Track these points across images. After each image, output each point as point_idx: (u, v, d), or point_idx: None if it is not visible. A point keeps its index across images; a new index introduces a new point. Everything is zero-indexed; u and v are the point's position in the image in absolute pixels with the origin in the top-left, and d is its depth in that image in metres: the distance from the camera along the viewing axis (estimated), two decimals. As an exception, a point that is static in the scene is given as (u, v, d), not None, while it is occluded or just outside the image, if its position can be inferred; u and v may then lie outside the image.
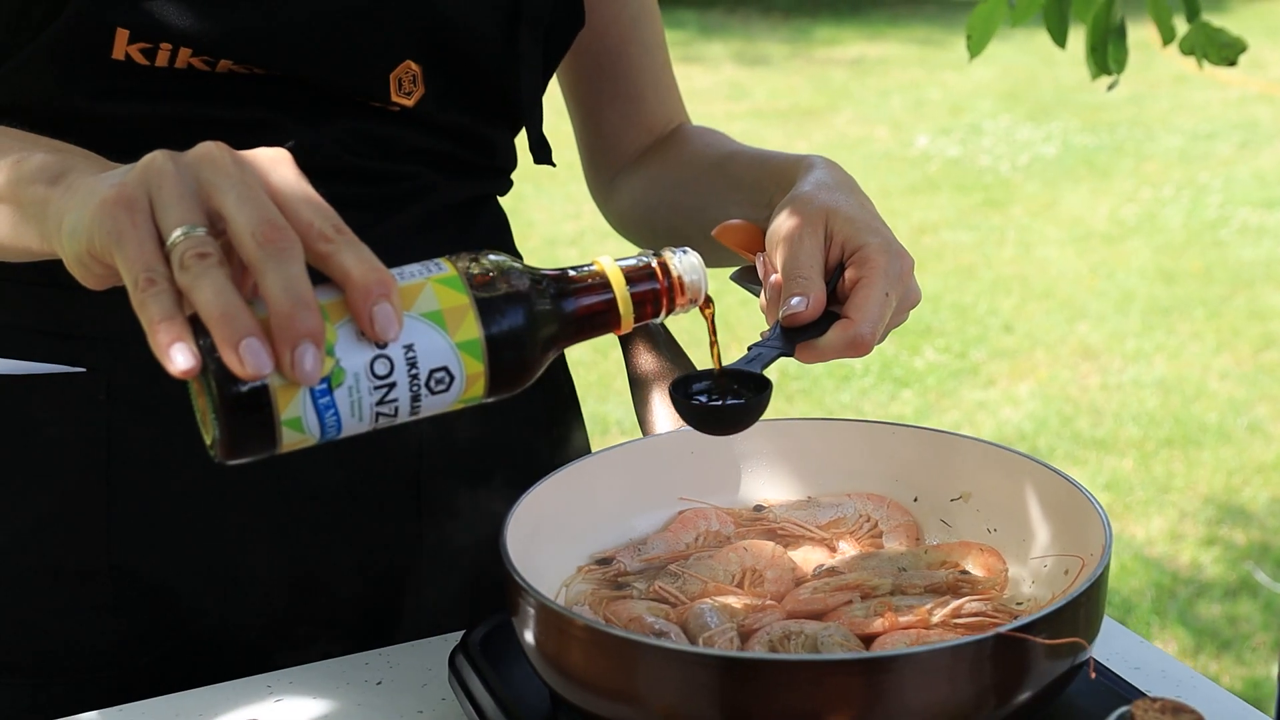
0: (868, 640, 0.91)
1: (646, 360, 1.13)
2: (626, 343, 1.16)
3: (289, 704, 1.06)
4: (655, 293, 0.84)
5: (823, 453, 1.08)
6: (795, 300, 0.95)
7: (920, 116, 8.20)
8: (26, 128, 0.99)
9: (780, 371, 4.55)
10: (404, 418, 0.78)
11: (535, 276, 0.81)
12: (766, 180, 1.13)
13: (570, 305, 0.82)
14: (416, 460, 1.16)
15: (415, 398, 0.77)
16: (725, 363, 0.93)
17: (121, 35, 1.01)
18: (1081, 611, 0.83)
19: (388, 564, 1.18)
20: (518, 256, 0.83)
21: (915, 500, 1.06)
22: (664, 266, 0.84)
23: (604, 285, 0.83)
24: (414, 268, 0.79)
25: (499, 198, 1.28)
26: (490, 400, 0.81)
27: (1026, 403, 4.31)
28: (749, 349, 0.96)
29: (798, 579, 0.99)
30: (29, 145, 0.91)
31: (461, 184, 1.20)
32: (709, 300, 0.88)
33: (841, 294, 0.97)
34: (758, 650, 0.90)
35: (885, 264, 0.97)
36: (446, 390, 0.78)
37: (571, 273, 0.83)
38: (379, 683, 1.09)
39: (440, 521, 1.19)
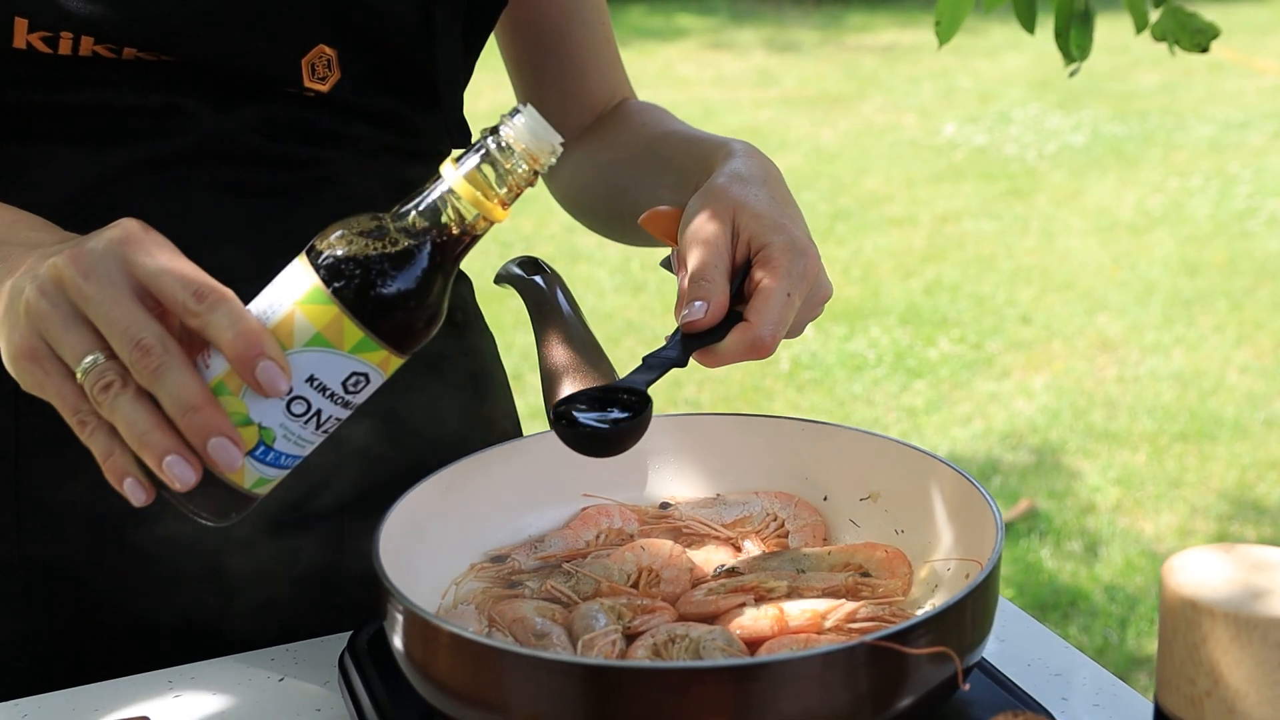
0: (755, 645, 0.88)
1: (558, 353, 1.10)
2: (540, 335, 1.13)
3: (186, 699, 1.04)
4: (501, 172, 0.79)
5: (732, 449, 1.05)
6: (696, 305, 0.93)
7: (949, 104, 8.12)
8: None
9: (792, 361, 4.52)
10: (347, 415, 0.81)
11: (383, 230, 0.79)
12: (691, 165, 1.10)
13: (429, 235, 0.79)
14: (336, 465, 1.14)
15: (345, 404, 0.80)
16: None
17: (20, 24, 0.99)
18: (961, 619, 0.80)
19: (309, 561, 1.16)
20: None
21: (825, 499, 1.03)
22: (500, 141, 0.79)
23: (447, 194, 0.79)
24: (277, 288, 0.79)
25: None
26: (419, 349, 0.81)
27: (1040, 395, 4.25)
28: (644, 358, 0.95)
29: (696, 579, 0.96)
30: None
31: (385, 167, 1.17)
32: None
33: (748, 293, 0.95)
34: (641, 653, 0.87)
35: (788, 263, 0.94)
36: (368, 384, 0.80)
37: (417, 201, 0.80)
38: (281, 679, 1.06)
39: (359, 520, 1.16)
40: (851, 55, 9.62)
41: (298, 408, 0.78)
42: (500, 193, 0.80)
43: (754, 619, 0.90)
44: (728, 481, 1.05)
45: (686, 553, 0.98)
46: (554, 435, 1.04)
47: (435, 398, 1.21)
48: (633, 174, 1.22)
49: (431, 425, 1.20)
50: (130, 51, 1.02)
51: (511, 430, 1.30)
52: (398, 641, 0.84)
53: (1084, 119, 7.62)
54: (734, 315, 0.94)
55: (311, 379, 0.77)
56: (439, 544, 0.97)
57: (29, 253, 0.83)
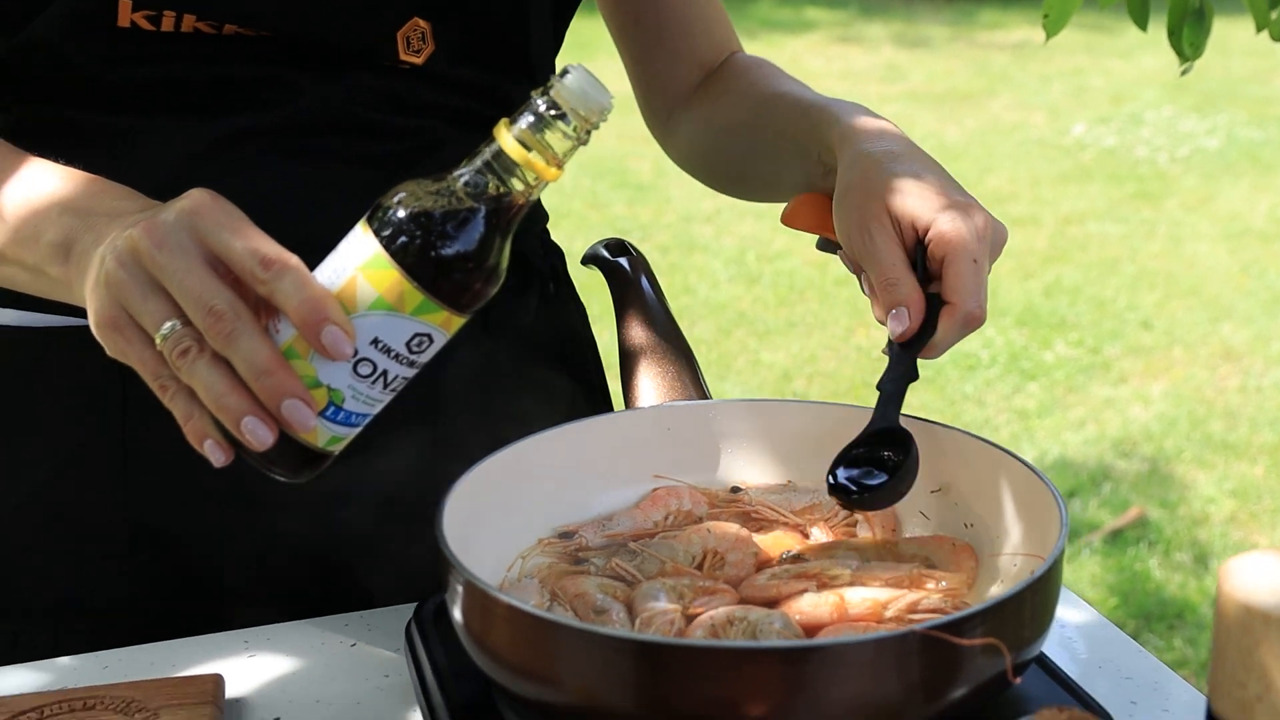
0: (814, 631, 0.88)
1: (637, 335, 1.10)
2: (620, 316, 1.14)
3: (260, 660, 1.07)
4: (556, 132, 0.80)
5: (805, 436, 1.04)
6: (898, 313, 0.95)
7: (1079, 104, 7.98)
8: (42, 97, 1.01)
9: (904, 358, 4.47)
10: (414, 373, 0.83)
11: (443, 192, 0.80)
12: (807, 139, 1.11)
13: (486, 196, 0.80)
14: (434, 409, 1.15)
15: (410, 364, 0.81)
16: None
17: (125, 4, 1.02)
18: (1018, 613, 0.79)
19: (405, 516, 1.17)
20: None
21: (896, 490, 1.02)
22: (551, 102, 0.80)
23: (502, 156, 0.80)
24: (341, 254, 0.81)
25: None
26: (481, 306, 0.82)
27: (1158, 403, 4.17)
28: (879, 387, 0.98)
29: (760, 564, 0.96)
30: (33, 194, 0.94)
31: (481, 137, 1.19)
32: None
33: (933, 267, 0.96)
34: (699, 634, 0.87)
35: (960, 234, 0.95)
36: (431, 344, 0.81)
37: (473, 164, 0.81)
38: (353, 645, 1.08)
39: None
40: (982, 52, 9.49)
41: (364, 369, 0.79)
42: (552, 152, 0.80)
43: (814, 605, 0.89)
44: (799, 469, 1.05)
45: (753, 538, 0.98)
46: (632, 414, 1.05)
47: (526, 368, 1.22)
48: (749, 140, 1.22)
49: (521, 396, 1.21)
50: (230, 28, 1.04)
51: (600, 401, 1.31)
52: (457, 613, 0.85)
53: (1219, 122, 7.44)
54: (932, 300, 0.94)
55: (376, 341, 0.79)
56: (508, 517, 0.98)
57: (112, 222, 0.86)
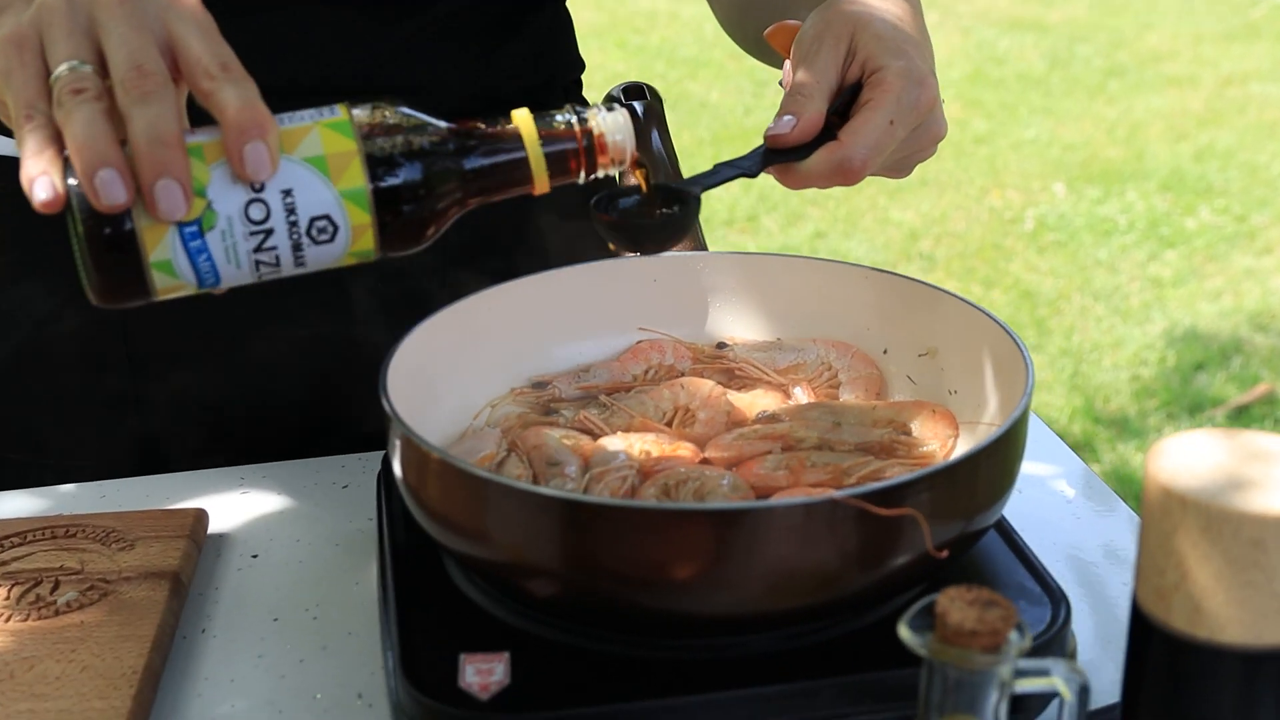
0: (767, 495, 0.85)
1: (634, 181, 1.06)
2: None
3: (252, 497, 1.08)
4: (571, 153, 0.78)
5: (797, 293, 1.00)
6: (785, 119, 0.88)
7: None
8: None
9: (1037, 221, 4.34)
10: (288, 269, 0.75)
11: (438, 130, 0.76)
12: None
13: (475, 162, 0.77)
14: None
15: (296, 246, 0.74)
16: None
17: None
18: (956, 484, 0.75)
19: None
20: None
21: (885, 352, 0.98)
22: (584, 124, 0.78)
23: (514, 143, 0.77)
24: (307, 112, 0.76)
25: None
26: (386, 256, 0.77)
27: (1303, 274, 3.99)
28: (716, 164, 0.89)
29: (733, 422, 0.93)
30: None
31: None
32: (639, 161, 0.81)
33: (853, 111, 0.89)
34: (650, 492, 0.85)
35: (899, 90, 0.88)
36: (331, 241, 0.75)
37: (482, 127, 0.77)
38: (345, 487, 1.09)
39: None
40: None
41: (256, 212, 0.73)
42: (555, 170, 0.78)
43: (773, 468, 0.86)
44: (789, 326, 1.01)
45: (728, 395, 0.95)
46: (619, 263, 1.01)
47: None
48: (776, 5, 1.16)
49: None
50: None
51: None
52: (396, 465, 0.83)
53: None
54: (826, 134, 0.89)
55: (288, 193, 0.73)
56: (480, 364, 0.96)
57: None
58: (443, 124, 0.77)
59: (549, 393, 0.97)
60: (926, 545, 0.72)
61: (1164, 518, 0.63)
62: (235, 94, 0.72)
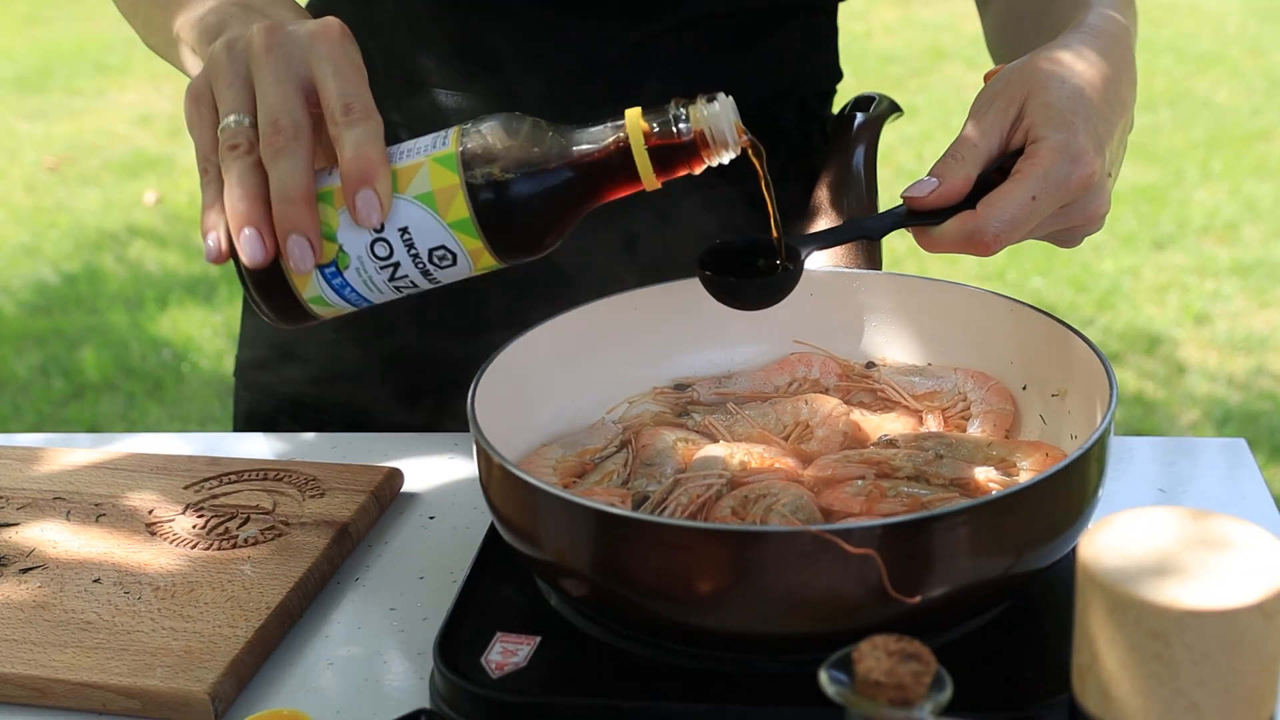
0: (840, 519, 0.85)
1: (823, 194, 1.07)
2: (821, 169, 1.10)
3: (455, 463, 1.15)
4: (676, 148, 0.79)
5: (952, 320, 0.97)
6: (928, 181, 0.87)
7: None
8: None
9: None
10: (426, 287, 0.82)
11: (542, 142, 0.80)
12: (1058, 24, 1.01)
13: (578, 170, 0.80)
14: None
15: (425, 272, 0.81)
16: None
17: None
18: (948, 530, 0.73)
19: None
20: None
21: (1024, 389, 0.94)
22: (686, 117, 0.79)
23: (617, 146, 0.79)
24: (424, 141, 0.81)
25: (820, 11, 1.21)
26: (513, 264, 0.82)
27: None
28: (845, 220, 0.91)
29: (851, 442, 0.93)
30: None
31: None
32: (755, 144, 0.82)
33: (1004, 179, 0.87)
34: (726, 505, 0.87)
35: (1049, 165, 0.85)
36: (454, 265, 0.81)
37: (588, 131, 0.81)
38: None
39: None
40: None
41: (380, 250, 0.79)
42: (660, 164, 0.80)
43: (854, 493, 0.86)
44: (939, 352, 0.99)
45: (852, 414, 0.95)
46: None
47: None
48: (1018, 29, 1.13)
49: None
50: None
51: None
52: (474, 465, 0.88)
53: None
54: (968, 202, 0.87)
55: (404, 230, 0.79)
56: (637, 359, 1.00)
57: (263, 20, 0.88)
58: (549, 133, 0.80)
59: (688, 394, 1.00)
60: (885, 587, 0.71)
61: (1081, 593, 0.60)
62: (351, 140, 0.79)
